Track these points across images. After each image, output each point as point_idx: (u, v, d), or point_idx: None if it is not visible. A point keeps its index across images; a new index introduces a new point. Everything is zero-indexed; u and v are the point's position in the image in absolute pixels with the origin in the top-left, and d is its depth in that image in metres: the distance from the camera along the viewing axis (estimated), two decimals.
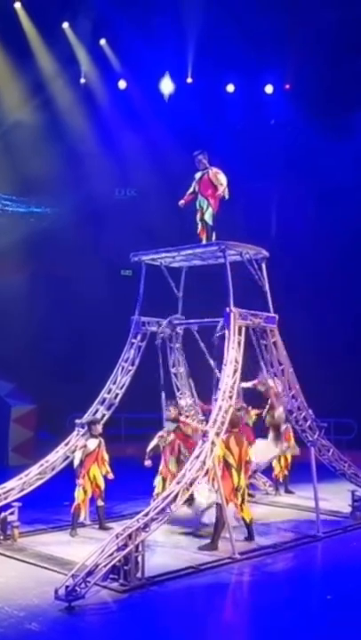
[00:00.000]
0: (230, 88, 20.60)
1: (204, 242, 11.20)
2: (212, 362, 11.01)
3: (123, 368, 11.58)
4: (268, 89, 20.67)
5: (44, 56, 19.29)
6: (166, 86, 20.52)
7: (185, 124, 19.09)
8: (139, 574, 8.24)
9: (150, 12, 18.16)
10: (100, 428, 10.82)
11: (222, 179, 11.08)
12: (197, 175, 11.29)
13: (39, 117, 19.56)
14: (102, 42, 20.06)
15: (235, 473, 9.88)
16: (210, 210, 11.17)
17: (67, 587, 7.47)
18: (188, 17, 17.83)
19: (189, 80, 20.51)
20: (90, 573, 7.64)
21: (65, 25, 19.37)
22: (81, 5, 18.34)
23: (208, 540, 9.83)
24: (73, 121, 19.86)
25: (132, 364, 11.59)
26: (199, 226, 11.29)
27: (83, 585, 7.54)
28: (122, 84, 20.69)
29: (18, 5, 18.67)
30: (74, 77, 20.27)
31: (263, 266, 11.12)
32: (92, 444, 10.61)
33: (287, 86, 20.65)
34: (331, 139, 18.99)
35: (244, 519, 10.10)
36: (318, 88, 19.12)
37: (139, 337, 11.68)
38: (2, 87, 19.05)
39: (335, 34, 17.92)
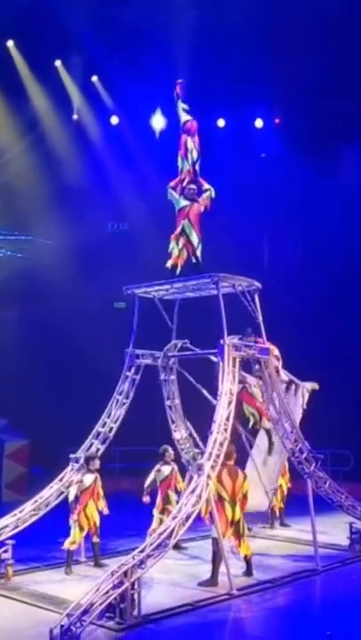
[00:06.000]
0: (221, 123, 20.85)
1: (178, 270, 11.10)
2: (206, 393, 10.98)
3: (117, 401, 11.51)
4: (258, 123, 20.94)
5: (37, 93, 19.52)
6: (158, 122, 20.73)
7: (177, 159, 19.25)
8: (135, 612, 8.11)
9: (141, 50, 18.42)
10: (98, 463, 10.67)
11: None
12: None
13: (32, 153, 19.73)
14: (94, 79, 20.35)
15: (228, 507, 9.73)
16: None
17: (62, 626, 7.31)
18: (178, 54, 18.07)
19: None
20: (85, 612, 7.51)
21: (57, 62, 19.64)
22: (73, 43, 18.59)
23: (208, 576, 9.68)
24: (66, 156, 20.03)
25: (127, 397, 11.51)
26: (175, 251, 11.15)
27: (78, 624, 7.39)
28: (114, 120, 20.96)
29: (10, 43, 18.93)
30: (66, 114, 20.52)
31: (256, 297, 11.14)
32: (89, 479, 10.46)
33: (277, 120, 20.93)
34: (319, 172, 19.19)
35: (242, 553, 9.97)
36: (307, 123, 19.37)
37: (133, 370, 11.63)
38: None
39: (323, 71, 18.22)
